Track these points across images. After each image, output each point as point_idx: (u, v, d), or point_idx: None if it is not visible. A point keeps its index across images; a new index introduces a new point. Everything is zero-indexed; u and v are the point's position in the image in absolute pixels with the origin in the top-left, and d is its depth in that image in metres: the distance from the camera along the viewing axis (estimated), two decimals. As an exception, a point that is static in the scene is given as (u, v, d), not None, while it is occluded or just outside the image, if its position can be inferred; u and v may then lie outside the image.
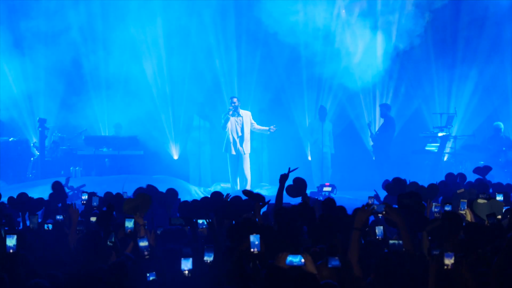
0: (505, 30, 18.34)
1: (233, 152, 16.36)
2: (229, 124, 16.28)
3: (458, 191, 8.85)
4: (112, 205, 6.86)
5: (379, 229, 6.51)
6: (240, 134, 16.34)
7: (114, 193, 9.10)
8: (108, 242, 6.46)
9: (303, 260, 5.23)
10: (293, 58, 18.66)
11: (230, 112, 16.27)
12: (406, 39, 18.36)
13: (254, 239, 5.66)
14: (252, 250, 5.64)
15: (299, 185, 8.37)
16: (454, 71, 18.68)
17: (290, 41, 18.32)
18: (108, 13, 18.51)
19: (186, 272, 5.55)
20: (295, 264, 5.22)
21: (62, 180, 14.37)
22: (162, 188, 9.16)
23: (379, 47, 18.40)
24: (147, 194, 7.57)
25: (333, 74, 18.60)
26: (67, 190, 14.10)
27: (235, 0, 18.65)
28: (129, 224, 6.73)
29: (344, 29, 18.54)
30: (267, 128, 16.69)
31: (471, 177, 10.85)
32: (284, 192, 8.24)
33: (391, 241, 6.12)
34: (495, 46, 18.43)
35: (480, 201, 7.34)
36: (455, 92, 18.71)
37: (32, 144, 18.02)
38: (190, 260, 5.59)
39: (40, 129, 17.16)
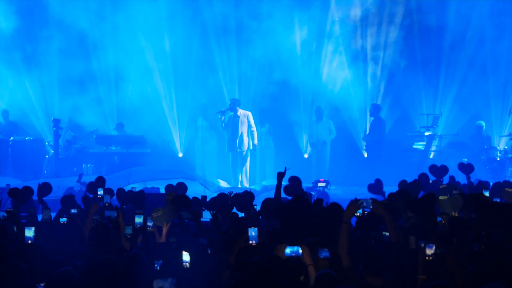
0: (485, 40, 18.43)
1: (232, 150, 16.34)
2: (226, 123, 16.26)
3: (440, 187, 8.85)
4: (118, 209, 6.88)
5: None
6: (235, 132, 16.25)
7: (120, 185, 9.09)
8: (127, 235, 6.48)
9: (301, 251, 5.15)
10: (290, 62, 18.71)
11: (223, 110, 16.19)
12: (395, 54, 18.53)
13: (252, 231, 5.62)
14: (250, 242, 5.61)
15: (295, 183, 8.45)
16: (439, 76, 18.78)
17: (286, 47, 18.50)
18: (118, 23, 18.54)
19: (188, 264, 5.47)
20: (293, 255, 5.12)
21: (76, 178, 14.49)
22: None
23: (370, 62, 18.64)
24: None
25: (326, 79, 18.74)
26: (79, 185, 14.18)
27: (236, 10, 18.69)
28: (139, 220, 6.73)
29: (338, 41, 18.71)
30: (256, 142, 16.58)
31: (455, 173, 10.88)
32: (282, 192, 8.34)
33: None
34: (476, 54, 18.51)
35: (441, 197, 7.25)
36: (440, 94, 18.79)
37: (47, 143, 18.04)
38: (188, 253, 5.50)
39: (54, 129, 17.17)
